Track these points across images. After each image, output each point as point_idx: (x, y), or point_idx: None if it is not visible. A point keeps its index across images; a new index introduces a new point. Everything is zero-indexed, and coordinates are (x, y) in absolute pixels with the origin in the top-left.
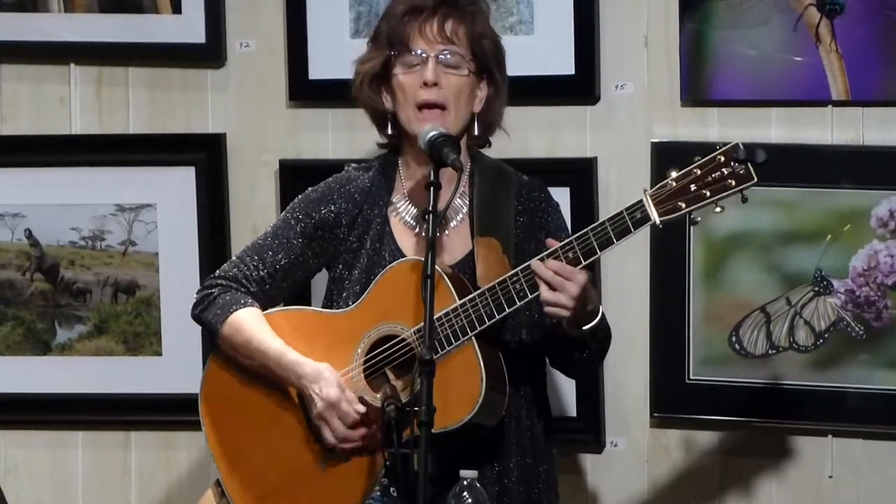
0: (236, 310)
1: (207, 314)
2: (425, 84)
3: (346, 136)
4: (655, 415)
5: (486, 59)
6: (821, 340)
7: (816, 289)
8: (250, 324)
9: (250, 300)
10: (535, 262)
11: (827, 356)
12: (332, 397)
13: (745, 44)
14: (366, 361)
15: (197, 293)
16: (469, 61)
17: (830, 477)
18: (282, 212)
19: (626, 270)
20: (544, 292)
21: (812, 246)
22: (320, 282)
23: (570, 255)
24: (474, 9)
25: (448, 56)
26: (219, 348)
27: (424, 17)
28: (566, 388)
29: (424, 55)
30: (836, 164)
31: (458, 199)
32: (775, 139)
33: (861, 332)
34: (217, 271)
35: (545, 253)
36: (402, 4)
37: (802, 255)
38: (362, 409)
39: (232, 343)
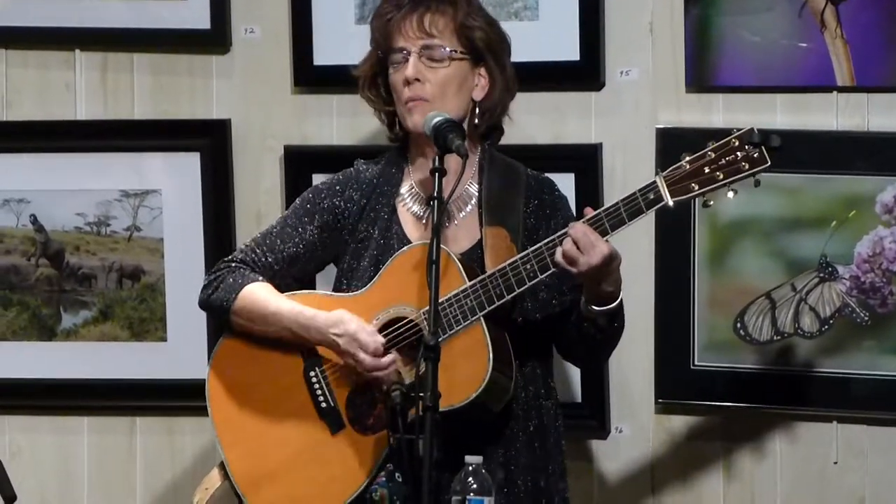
0: (246, 283)
1: (218, 293)
2: (406, 81)
3: (351, 122)
4: (660, 401)
5: (474, 45)
6: (826, 326)
7: (821, 275)
8: (263, 293)
9: (259, 277)
10: (575, 224)
11: (832, 342)
12: (352, 329)
13: (750, 30)
14: None
15: (205, 278)
16: (456, 51)
17: (835, 463)
18: (288, 199)
19: (631, 256)
20: (566, 245)
21: (817, 232)
22: (327, 276)
23: None
24: (457, 0)
25: (428, 50)
26: (231, 329)
27: (403, 14)
28: (571, 375)
29: (406, 52)
30: (842, 150)
31: (467, 190)
32: (780, 125)
33: (866, 319)
34: (225, 258)
35: (572, 223)
36: (388, 4)
37: (807, 241)
38: (382, 339)
39: (248, 314)
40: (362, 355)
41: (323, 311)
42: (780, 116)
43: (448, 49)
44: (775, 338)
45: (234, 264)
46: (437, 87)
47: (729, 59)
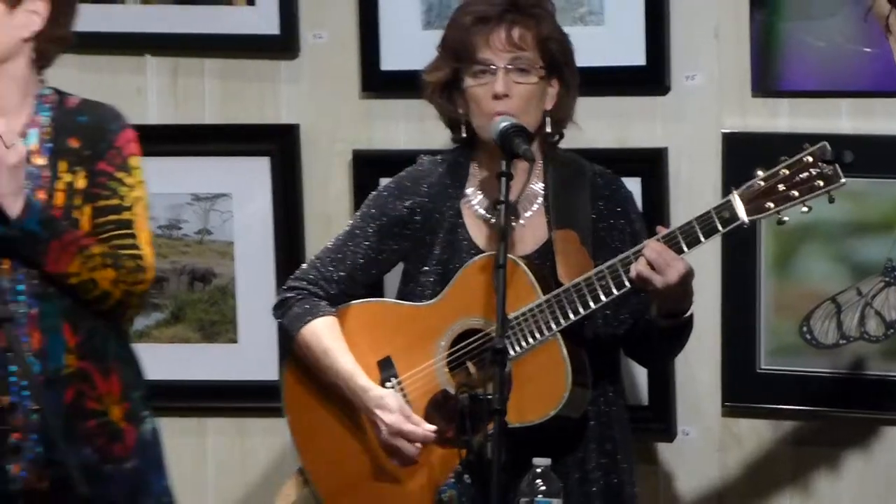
0: (311, 320)
1: (285, 320)
2: (496, 96)
3: (418, 127)
4: (726, 404)
5: (554, 59)
6: (892, 330)
7: (887, 279)
8: (325, 337)
9: (326, 306)
10: (650, 242)
11: None
12: (394, 423)
13: (815, 35)
14: (449, 354)
15: (277, 294)
16: (538, 66)
17: None
18: (356, 202)
19: (698, 261)
20: (640, 266)
21: (882, 236)
22: (393, 273)
23: None
24: (539, 11)
25: (517, 64)
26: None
27: (491, 27)
28: (638, 377)
29: (493, 66)
30: None
31: (532, 190)
32: (846, 130)
33: None
34: (297, 272)
35: (646, 241)
36: (469, 14)
37: (873, 245)
38: (430, 427)
39: (306, 354)
40: (406, 445)
41: (373, 384)
42: (845, 121)
43: (534, 63)
44: (841, 341)
45: (303, 285)
46: (522, 101)
47: (794, 64)
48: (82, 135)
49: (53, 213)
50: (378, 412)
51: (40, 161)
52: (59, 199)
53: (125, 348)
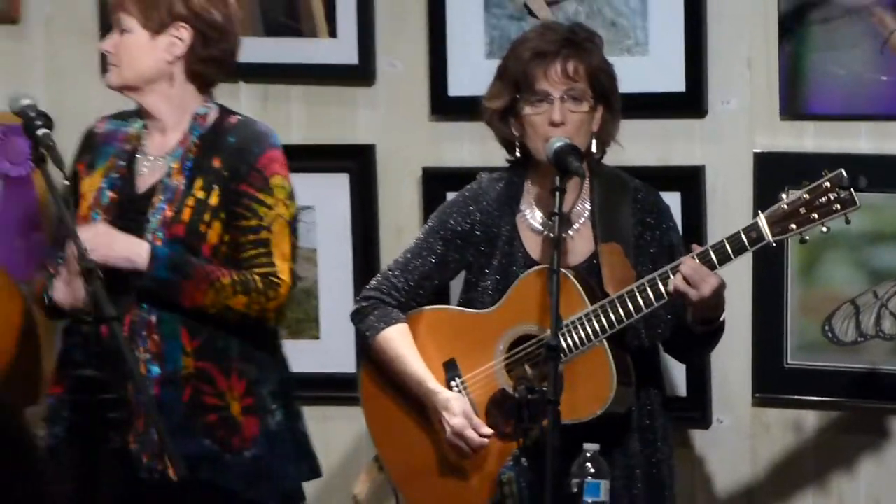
0: (384, 328)
1: (362, 326)
2: (552, 123)
3: (481, 147)
4: (757, 395)
5: (603, 89)
6: None
7: None
8: (396, 343)
9: (397, 314)
10: (685, 259)
11: None
12: (457, 427)
13: (838, 65)
14: (507, 357)
15: (354, 303)
16: (589, 94)
17: None
18: (425, 213)
19: (732, 267)
20: (678, 281)
21: None
22: (457, 280)
23: None
24: (590, 46)
25: (571, 94)
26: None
27: (548, 61)
28: (677, 372)
29: (551, 96)
30: None
31: (580, 205)
32: (865, 150)
33: None
34: (371, 283)
35: (682, 258)
36: (528, 49)
37: (888, 253)
38: (488, 432)
39: (380, 358)
40: (465, 447)
41: (441, 387)
42: (865, 142)
43: (586, 93)
44: (859, 340)
45: (377, 295)
46: (575, 126)
47: (819, 91)
48: (226, 155)
49: (179, 256)
50: (444, 414)
51: (178, 178)
52: (187, 213)
53: (249, 349)
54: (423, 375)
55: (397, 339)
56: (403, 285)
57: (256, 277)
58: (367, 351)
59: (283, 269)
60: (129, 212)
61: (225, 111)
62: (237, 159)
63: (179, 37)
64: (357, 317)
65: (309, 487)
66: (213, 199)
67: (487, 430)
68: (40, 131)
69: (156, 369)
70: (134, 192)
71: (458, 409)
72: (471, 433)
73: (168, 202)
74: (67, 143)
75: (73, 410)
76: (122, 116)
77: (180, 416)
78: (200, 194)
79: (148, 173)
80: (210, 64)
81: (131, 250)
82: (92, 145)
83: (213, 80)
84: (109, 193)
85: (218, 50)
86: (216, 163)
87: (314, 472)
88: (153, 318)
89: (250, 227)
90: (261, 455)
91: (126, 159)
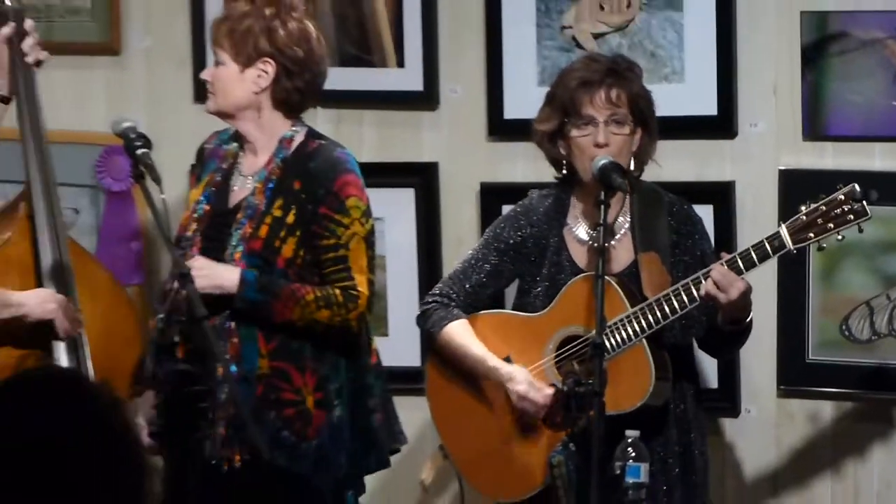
0: (447, 323)
1: (427, 325)
2: (597, 145)
3: (533, 165)
4: (781, 387)
5: (642, 114)
6: None
7: None
8: (459, 334)
9: (458, 312)
10: (715, 266)
11: None
12: (522, 391)
13: (854, 92)
14: (556, 356)
15: (420, 306)
16: (630, 119)
17: None
18: (483, 225)
19: (759, 272)
20: (709, 286)
21: None
22: (511, 287)
23: None
24: (632, 75)
25: (614, 118)
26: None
27: (594, 89)
28: (709, 366)
29: (595, 120)
30: None
31: (621, 218)
32: (878, 168)
33: None
34: (433, 289)
35: (712, 265)
36: (575, 78)
37: None
38: (549, 391)
39: (446, 349)
40: (532, 409)
41: (502, 362)
42: (878, 161)
43: (627, 118)
44: (873, 338)
45: (439, 299)
46: (617, 148)
47: (837, 115)
48: (306, 179)
49: (266, 278)
50: (509, 385)
51: (259, 197)
52: (264, 230)
53: (320, 349)
54: (485, 355)
55: (459, 331)
56: (462, 291)
57: (337, 291)
58: (433, 346)
59: (361, 282)
60: (217, 225)
61: (311, 135)
62: (315, 183)
63: (265, 70)
64: (422, 318)
65: (378, 472)
66: (290, 218)
67: (549, 390)
68: (139, 151)
69: (233, 367)
70: (224, 206)
71: (521, 377)
72: (535, 394)
73: (249, 219)
74: (164, 161)
75: (167, 402)
76: (227, 134)
77: (252, 409)
78: (278, 213)
79: (238, 190)
80: (294, 94)
81: (223, 277)
82: (201, 159)
83: (300, 107)
84: (204, 206)
85: (301, 81)
86: (296, 185)
87: (381, 464)
88: (232, 324)
89: (329, 246)
90: (323, 444)
91: (223, 175)
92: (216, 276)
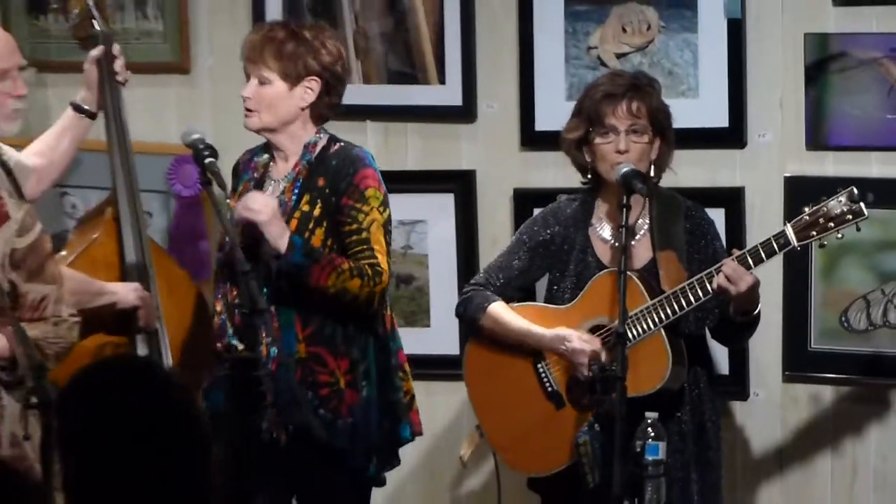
0: (487, 305)
1: (469, 310)
2: (618, 152)
3: (562, 173)
4: (786, 373)
5: (660, 125)
6: None
7: None
8: (502, 313)
9: (495, 296)
10: (727, 261)
11: None
12: (576, 344)
13: (853, 106)
14: None
15: (459, 296)
16: (649, 129)
17: None
18: (515, 226)
19: (766, 269)
20: (720, 279)
21: None
22: (541, 282)
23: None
24: (652, 90)
25: (634, 128)
26: (475, 334)
27: (616, 101)
28: (721, 354)
29: (617, 129)
30: None
31: (641, 220)
32: (874, 175)
33: None
34: (471, 280)
35: (724, 260)
36: (600, 92)
37: (894, 258)
38: (598, 341)
39: (491, 327)
40: (582, 356)
41: (544, 326)
42: (874, 168)
43: (646, 128)
44: (869, 328)
45: (478, 287)
46: (637, 155)
47: (837, 126)
48: (329, 176)
49: (309, 245)
50: (560, 346)
51: (289, 195)
52: (294, 224)
53: (350, 335)
54: (528, 326)
55: (500, 310)
56: (497, 282)
57: (366, 265)
58: (476, 326)
59: (382, 261)
60: (254, 224)
61: (332, 139)
62: (338, 178)
63: (311, 88)
64: (461, 305)
65: (420, 448)
66: (316, 211)
67: (597, 340)
68: (207, 160)
69: (274, 350)
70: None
71: (567, 332)
72: (582, 343)
73: (281, 214)
74: (228, 169)
75: (231, 386)
76: (257, 148)
77: (292, 391)
78: (305, 208)
79: (270, 192)
80: (331, 108)
81: (281, 232)
82: (237, 173)
83: (327, 119)
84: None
85: (337, 96)
86: (321, 182)
87: (409, 437)
88: (272, 308)
89: (352, 231)
90: (357, 421)
91: (255, 183)
92: (277, 224)
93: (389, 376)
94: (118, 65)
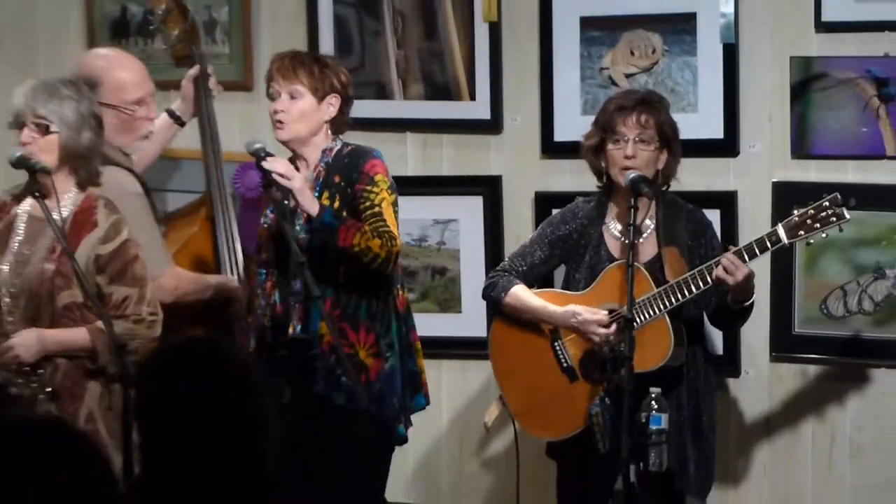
0: (512, 286)
1: (494, 292)
2: (626, 157)
3: (578, 178)
4: (773, 354)
5: (667, 137)
6: (878, 307)
7: (876, 275)
8: (522, 294)
9: (517, 281)
10: (726, 254)
11: (883, 318)
12: (584, 317)
13: (832, 120)
14: None
15: (486, 280)
16: (656, 140)
17: (883, 393)
18: (536, 227)
19: (758, 264)
20: (719, 271)
21: (874, 248)
22: (558, 272)
23: None
24: (660, 106)
25: (641, 137)
26: (499, 313)
27: (627, 112)
28: (717, 337)
29: (626, 138)
30: (891, 196)
31: (648, 220)
32: (851, 180)
33: None
34: (497, 267)
35: (723, 255)
36: (614, 104)
37: (867, 253)
38: (604, 312)
39: (513, 306)
40: (594, 328)
41: (559, 306)
42: (851, 174)
43: (653, 138)
44: (846, 314)
45: (503, 273)
46: (643, 161)
47: (819, 138)
48: (343, 172)
49: (337, 211)
50: (571, 320)
51: (312, 192)
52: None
53: (372, 312)
54: (544, 304)
55: (521, 292)
56: (519, 268)
57: (382, 231)
58: (500, 305)
59: (394, 231)
60: (284, 220)
61: (345, 144)
62: (350, 171)
63: (332, 103)
64: (487, 288)
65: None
66: (336, 204)
67: (603, 312)
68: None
69: (300, 328)
70: (287, 207)
71: (579, 308)
72: (591, 315)
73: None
74: None
75: (289, 363)
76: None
77: (337, 363)
78: (326, 202)
79: None
80: (346, 123)
81: (311, 196)
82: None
83: (344, 130)
84: (270, 215)
85: (349, 113)
86: (337, 178)
87: (423, 404)
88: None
89: (367, 207)
90: (382, 388)
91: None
92: (305, 187)
93: (410, 350)
94: (212, 82)
